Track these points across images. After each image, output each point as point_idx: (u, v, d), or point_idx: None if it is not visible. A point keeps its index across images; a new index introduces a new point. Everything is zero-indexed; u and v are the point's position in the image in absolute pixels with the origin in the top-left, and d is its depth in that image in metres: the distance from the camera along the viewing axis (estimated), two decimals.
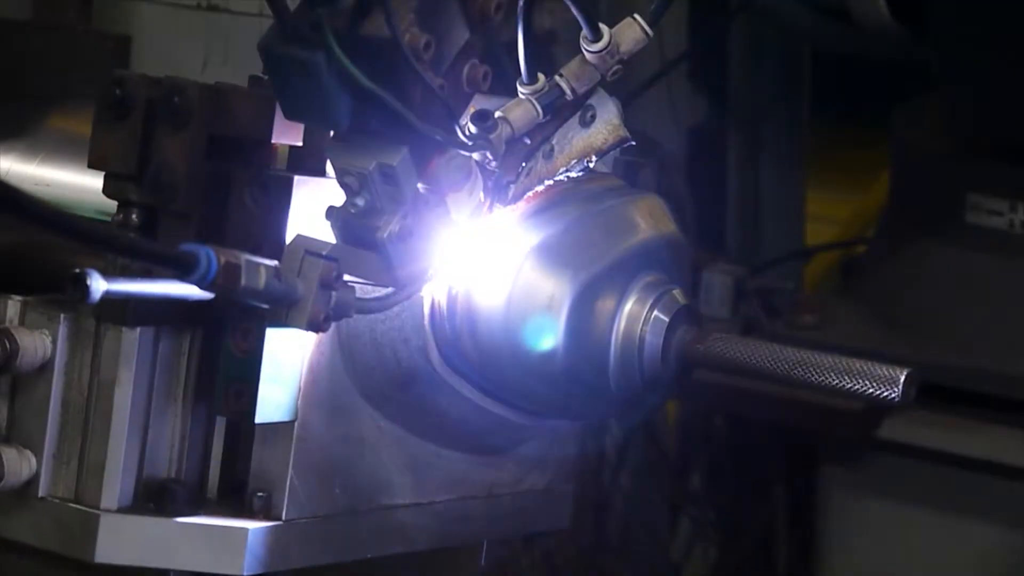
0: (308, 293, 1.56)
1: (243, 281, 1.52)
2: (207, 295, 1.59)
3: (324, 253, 1.57)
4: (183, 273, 1.48)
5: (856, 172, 3.57)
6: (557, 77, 1.74)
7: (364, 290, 1.68)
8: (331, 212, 1.64)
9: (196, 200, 1.68)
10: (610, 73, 1.75)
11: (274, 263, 1.56)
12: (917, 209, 3.09)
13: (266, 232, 1.70)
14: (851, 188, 3.59)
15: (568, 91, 1.75)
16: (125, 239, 1.53)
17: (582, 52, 1.74)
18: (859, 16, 2.88)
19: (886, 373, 1.77)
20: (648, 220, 1.93)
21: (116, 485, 1.67)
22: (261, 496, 1.71)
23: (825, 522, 3.17)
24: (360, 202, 1.61)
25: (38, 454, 1.68)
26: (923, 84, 3.12)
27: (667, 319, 1.86)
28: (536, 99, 1.73)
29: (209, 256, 1.48)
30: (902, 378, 1.76)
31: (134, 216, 1.68)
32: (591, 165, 1.80)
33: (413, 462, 1.85)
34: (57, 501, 1.68)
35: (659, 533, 3.34)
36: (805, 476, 3.20)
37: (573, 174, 1.79)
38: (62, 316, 1.69)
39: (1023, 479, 2.93)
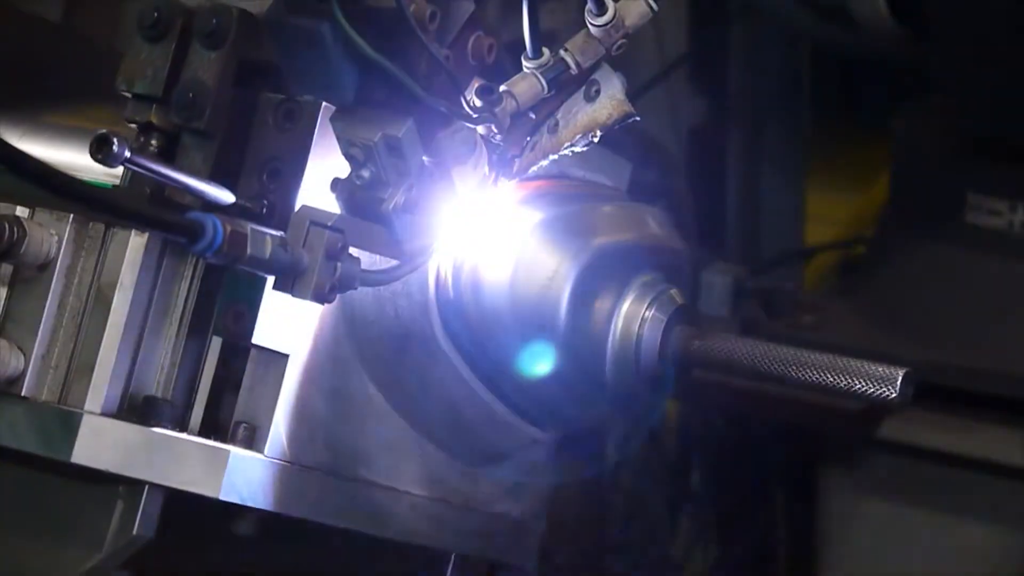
0: (313, 264, 1.57)
1: (249, 250, 1.53)
2: (227, 199, 1.59)
3: (329, 224, 1.58)
4: (189, 241, 1.49)
5: (856, 172, 3.56)
6: (562, 51, 1.75)
7: (373, 262, 1.68)
8: (336, 184, 1.64)
9: (221, 120, 1.68)
10: (615, 47, 1.76)
11: (280, 233, 1.56)
12: (917, 209, 3.09)
13: (288, 157, 1.70)
14: (851, 188, 3.58)
15: (573, 65, 1.75)
16: (132, 204, 1.53)
17: (587, 26, 1.74)
18: (859, 16, 2.88)
19: (883, 372, 1.78)
20: (652, 224, 1.94)
21: (103, 390, 1.67)
22: (245, 427, 1.70)
23: (825, 522, 3.16)
24: (365, 174, 1.62)
25: (27, 353, 1.68)
26: (923, 84, 3.12)
27: (664, 318, 1.86)
28: (541, 73, 1.73)
29: (215, 225, 1.49)
30: (899, 377, 1.77)
31: (153, 142, 1.69)
32: (595, 140, 1.81)
33: (395, 444, 1.84)
34: (40, 402, 1.68)
35: (659, 533, 3.33)
36: (805, 476, 3.20)
37: (578, 149, 1.80)
38: (71, 217, 1.70)
39: (1023, 479, 2.93)
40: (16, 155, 1.35)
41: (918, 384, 1.83)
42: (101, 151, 1.51)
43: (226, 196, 1.64)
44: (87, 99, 1.97)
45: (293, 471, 1.73)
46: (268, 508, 1.71)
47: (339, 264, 1.59)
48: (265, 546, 1.92)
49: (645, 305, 1.89)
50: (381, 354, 1.81)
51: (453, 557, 1.98)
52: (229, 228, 1.50)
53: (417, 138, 1.61)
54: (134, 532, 1.66)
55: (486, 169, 1.70)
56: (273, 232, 1.56)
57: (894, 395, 1.79)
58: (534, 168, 1.77)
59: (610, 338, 1.88)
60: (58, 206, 1.70)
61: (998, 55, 2.87)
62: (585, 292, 1.83)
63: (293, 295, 1.58)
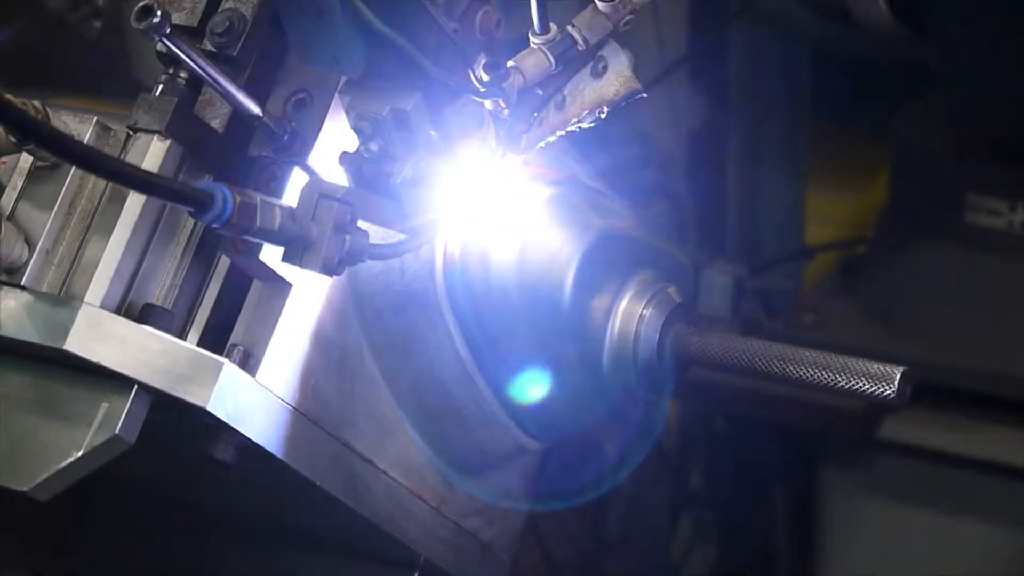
0: (322, 236, 1.56)
1: (258, 222, 1.51)
2: (255, 111, 1.58)
3: (338, 197, 1.57)
4: (199, 211, 1.47)
5: (856, 172, 3.56)
6: (569, 27, 1.74)
7: (385, 236, 1.67)
8: (345, 157, 1.63)
9: (254, 51, 1.67)
10: (622, 23, 1.76)
11: (289, 205, 1.55)
12: (917, 209, 3.09)
13: (316, 88, 1.69)
14: (851, 188, 3.58)
15: (580, 41, 1.74)
16: (142, 173, 1.50)
17: (594, 2, 1.74)
18: (859, 16, 2.88)
19: (881, 370, 1.77)
20: (657, 233, 1.94)
21: (103, 287, 1.64)
22: (241, 351, 1.68)
23: (825, 522, 3.17)
24: (374, 147, 1.61)
25: (32, 245, 1.66)
26: (923, 84, 3.12)
27: (662, 316, 1.86)
28: (548, 49, 1.73)
29: (225, 195, 1.48)
30: (897, 376, 1.77)
31: (182, 74, 1.68)
32: (602, 116, 1.80)
33: (380, 418, 1.82)
34: (40, 292, 1.64)
35: (659, 533, 3.33)
36: (805, 476, 3.20)
37: (585, 125, 1.79)
38: (94, 120, 1.68)
39: (1023, 479, 2.93)
40: (30, 121, 1.34)
41: (917, 383, 1.82)
42: (143, 20, 1.51)
43: (254, 107, 1.63)
44: (97, 96, 1.97)
45: (282, 407, 1.70)
46: (251, 436, 1.67)
47: (348, 237, 1.58)
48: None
49: (643, 303, 1.88)
50: (381, 312, 1.78)
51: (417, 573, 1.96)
52: (239, 199, 1.49)
53: (425, 112, 1.61)
54: (116, 431, 1.61)
55: (493, 144, 1.69)
56: (282, 204, 1.55)
57: (892, 393, 1.78)
58: (541, 144, 1.76)
59: (608, 335, 1.87)
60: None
61: (998, 55, 2.87)
62: (590, 270, 1.82)
63: (302, 267, 1.57)
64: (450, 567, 1.96)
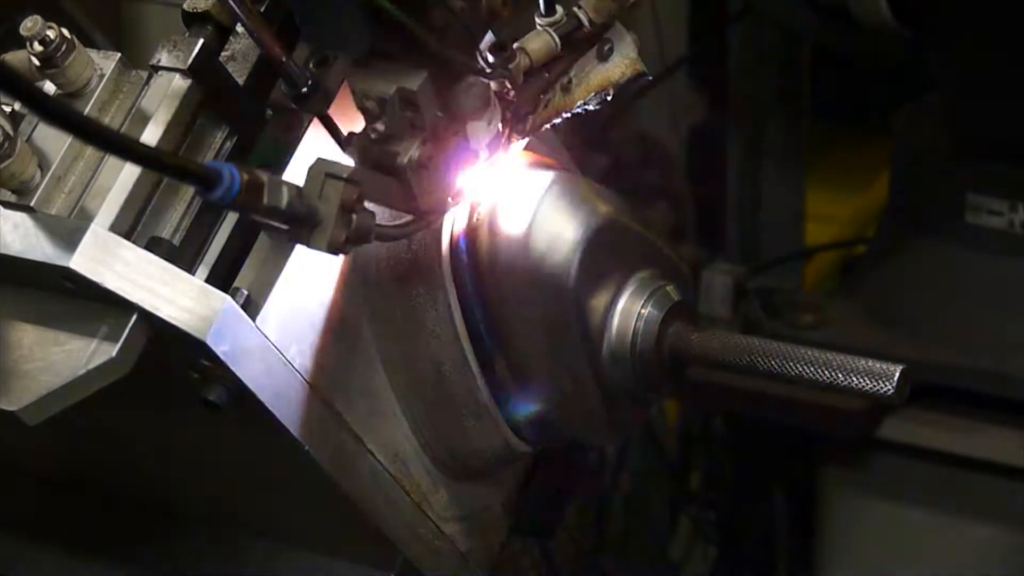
0: (329, 216, 1.54)
1: (265, 200, 1.49)
2: (281, 56, 1.57)
3: (345, 176, 1.55)
4: (206, 189, 1.45)
5: (856, 172, 3.57)
6: (575, 8, 1.74)
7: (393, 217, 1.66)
8: (351, 138, 1.63)
9: (281, 8, 1.65)
10: (627, 5, 1.76)
11: (295, 184, 1.54)
12: (917, 209, 3.09)
13: (350, 38, 1.66)
14: (851, 188, 3.59)
15: (586, 22, 1.75)
16: (148, 149, 1.49)
17: None
18: (859, 16, 2.88)
19: (880, 368, 1.76)
20: (657, 233, 1.93)
21: (114, 211, 1.61)
22: (244, 293, 1.65)
23: (825, 522, 3.17)
24: (380, 127, 1.60)
25: (45, 169, 1.63)
26: (923, 84, 3.13)
27: (660, 314, 1.85)
28: (554, 30, 1.73)
29: (232, 173, 1.46)
30: (896, 374, 1.76)
31: (210, 26, 1.67)
32: (609, 99, 1.80)
33: (371, 392, 1.79)
34: (48, 214, 1.62)
35: (659, 533, 3.33)
36: (805, 476, 3.21)
37: (591, 107, 1.79)
38: (118, 56, 1.67)
39: (1023, 479, 2.93)
40: (39, 95, 1.34)
41: (917, 383, 1.82)
42: None
43: (280, 52, 1.61)
44: None
45: (277, 357, 1.66)
46: (246, 380, 1.62)
47: (354, 216, 1.56)
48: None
49: (642, 302, 1.88)
50: (383, 282, 1.77)
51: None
52: (246, 177, 1.46)
53: (432, 92, 1.60)
54: (113, 354, 1.57)
55: (499, 126, 1.69)
56: (290, 182, 1.54)
57: (891, 391, 1.77)
58: (547, 126, 1.76)
59: (607, 334, 1.86)
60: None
61: (998, 55, 2.87)
62: (596, 253, 1.81)
63: (308, 246, 1.55)
64: (428, 570, 1.94)
